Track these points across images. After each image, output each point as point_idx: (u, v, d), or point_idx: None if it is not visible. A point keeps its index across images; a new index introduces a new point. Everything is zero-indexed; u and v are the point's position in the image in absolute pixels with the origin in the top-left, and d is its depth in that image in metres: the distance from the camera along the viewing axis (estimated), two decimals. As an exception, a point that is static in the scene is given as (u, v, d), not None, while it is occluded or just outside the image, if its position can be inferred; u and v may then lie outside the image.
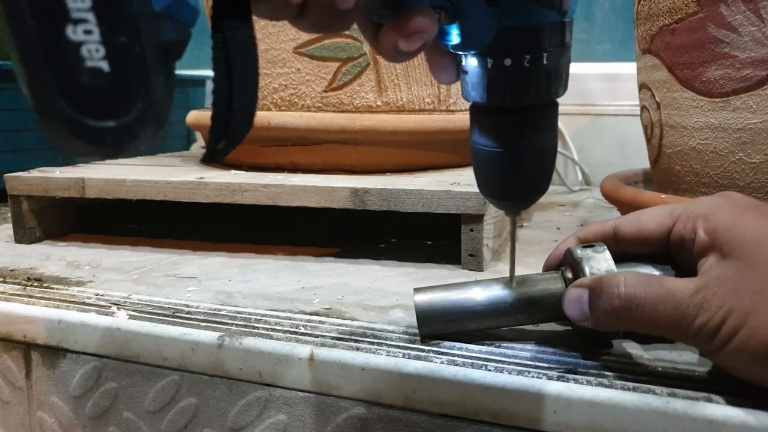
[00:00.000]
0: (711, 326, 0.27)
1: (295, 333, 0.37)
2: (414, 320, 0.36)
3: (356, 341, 0.36)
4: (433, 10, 0.26)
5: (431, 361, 0.33)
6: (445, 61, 0.29)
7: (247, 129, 0.23)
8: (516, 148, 0.29)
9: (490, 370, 0.32)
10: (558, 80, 0.28)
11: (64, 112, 0.18)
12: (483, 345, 0.35)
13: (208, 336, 0.37)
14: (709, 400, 0.29)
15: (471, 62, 0.28)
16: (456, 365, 0.33)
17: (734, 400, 0.29)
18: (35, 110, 0.18)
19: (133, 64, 0.18)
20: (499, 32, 0.26)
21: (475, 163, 0.31)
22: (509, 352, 0.34)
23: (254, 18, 0.23)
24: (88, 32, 0.18)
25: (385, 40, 0.26)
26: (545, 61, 0.27)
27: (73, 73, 0.18)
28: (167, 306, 0.42)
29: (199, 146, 1.09)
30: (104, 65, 0.18)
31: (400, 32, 0.26)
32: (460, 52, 0.28)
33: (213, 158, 0.23)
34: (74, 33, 0.17)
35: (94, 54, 0.18)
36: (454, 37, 0.27)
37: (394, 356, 0.34)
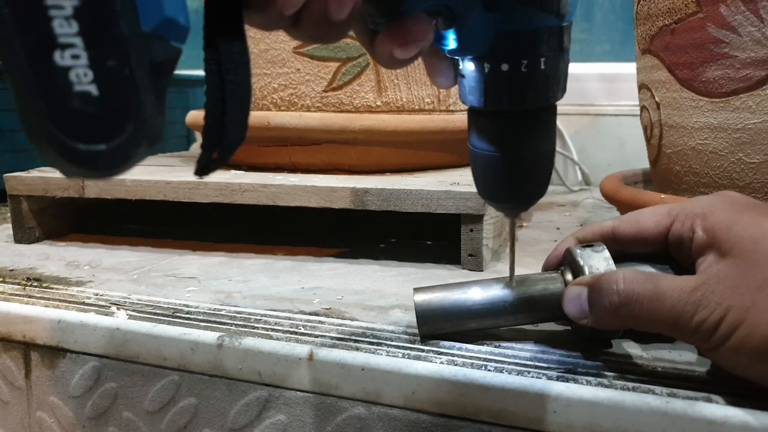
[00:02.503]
0: (710, 323, 0.27)
1: (295, 333, 0.37)
2: (414, 320, 0.36)
3: (356, 341, 0.36)
4: (430, 16, 0.26)
5: (431, 361, 0.33)
6: (443, 65, 0.29)
7: (240, 141, 0.23)
8: (514, 152, 0.29)
9: (489, 370, 0.32)
10: (556, 84, 0.28)
11: (54, 137, 0.18)
12: (483, 345, 0.35)
13: (208, 336, 0.37)
14: (709, 400, 0.29)
15: (468, 66, 0.28)
16: (456, 365, 0.33)
17: (734, 400, 0.29)
18: (26, 133, 0.18)
19: (123, 87, 0.18)
20: (497, 37, 0.26)
21: (473, 166, 0.31)
22: (509, 352, 0.34)
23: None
24: (75, 57, 0.17)
25: (380, 48, 0.26)
26: (543, 66, 0.27)
27: (62, 98, 0.18)
28: (167, 306, 0.42)
29: (198, 146, 1.09)
30: (93, 89, 0.18)
31: (395, 41, 0.25)
32: (457, 57, 0.28)
33: (205, 171, 0.23)
34: (62, 58, 0.17)
35: (83, 78, 0.18)
36: (451, 41, 0.27)
37: (393, 356, 0.34)
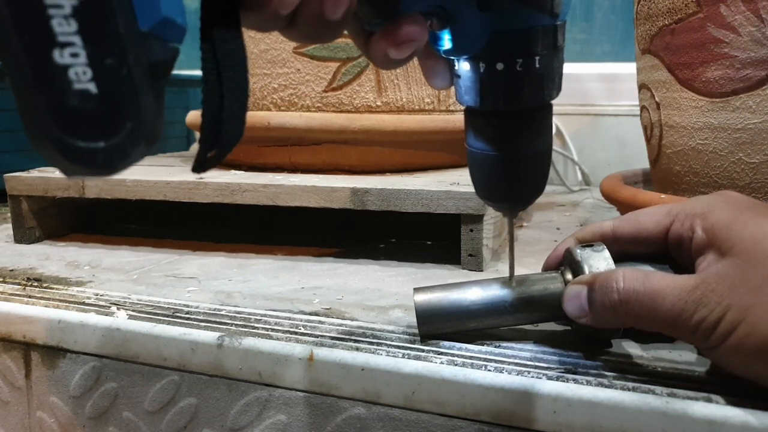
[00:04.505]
0: (709, 322, 0.27)
1: (295, 333, 0.37)
2: (414, 320, 0.36)
3: (356, 341, 0.36)
4: (425, 16, 0.26)
5: (431, 361, 0.33)
6: (439, 67, 0.29)
7: (238, 138, 0.23)
8: (511, 151, 0.29)
9: (489, 370, 0.32)
10: (551, 83, 0.28)
11: (53, 134, 0.18)
12: (483, 345, 0.35)
13: (208, 336, 0.37)
14: (709, 400, 0.29)
15: (464, 67, 0.28)
16: (456, 365, 0.33)
17: (734, 400, 0.29)
18: (26, 132, 0.18)
19: (121, 85, 0.18)
20: (491, 37, 0.26)
21: (470, 165, 0.31)
22: (509, 352, 0.34)
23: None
24: (74, 55, 0.18)
25: (375, 48, 0.26)
26: (538, 65, 0.27)
27: (62, 95, 0.18)
28: (167, 306, 0.42)
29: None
30: (92, 87, 0.18)
31: (390, 41, 0.26)
32: (453, 57, 0.28)
33: (202, 167, 0.23)
34: (61, 56, 0.18)
35: (82, 76, 0.18)
36: (446, 42, 0.27)
37: (393, 356, 0.34)
